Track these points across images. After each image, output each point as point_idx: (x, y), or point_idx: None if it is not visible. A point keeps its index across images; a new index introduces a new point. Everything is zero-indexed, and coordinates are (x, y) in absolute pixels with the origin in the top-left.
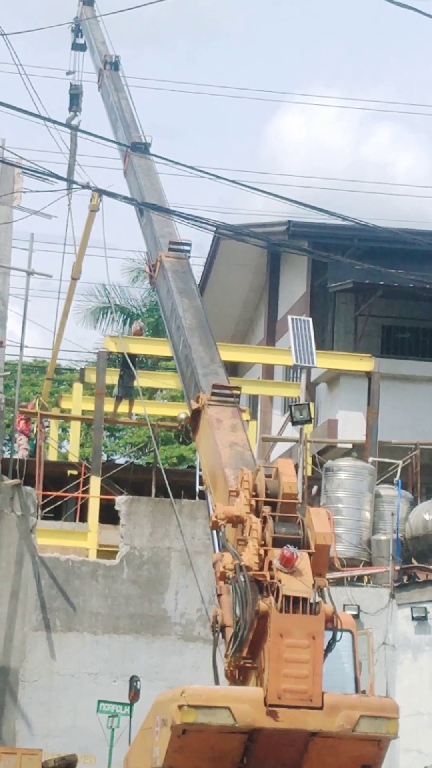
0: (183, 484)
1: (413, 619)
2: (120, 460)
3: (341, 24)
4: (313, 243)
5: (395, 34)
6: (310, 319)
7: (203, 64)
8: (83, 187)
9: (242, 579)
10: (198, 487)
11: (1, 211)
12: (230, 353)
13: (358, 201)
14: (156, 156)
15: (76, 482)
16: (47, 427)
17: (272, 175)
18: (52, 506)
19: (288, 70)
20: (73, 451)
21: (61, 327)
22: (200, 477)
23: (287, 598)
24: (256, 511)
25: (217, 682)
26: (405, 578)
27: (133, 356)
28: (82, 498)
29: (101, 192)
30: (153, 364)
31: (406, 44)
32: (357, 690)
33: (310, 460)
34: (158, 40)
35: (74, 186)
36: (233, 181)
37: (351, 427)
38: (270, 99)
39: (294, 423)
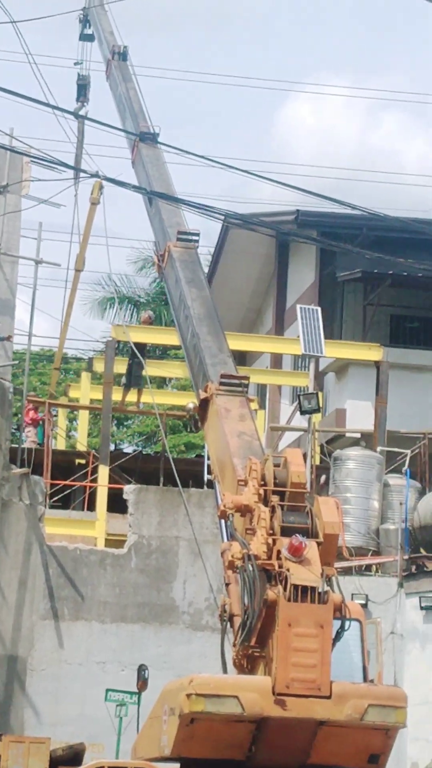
0: (191, 473)
1: (422, 608)
2: (128, 449)
3: (350, 12)
4: (322, 232)
5: (404, 22)
6: (319, 309)
7: (211, 52)
8: (92, 176)
9: (251, 568)
10: (206, 477)
11: (9, 199)
12: (238, 343)
13: (367, 190)
14: (164, 145)
15: (84, 471)
16: (55, 416)
17: (281, 164)
18: (61, 495)
19: (297, 58)
20: (81, 440)
21: (67, 317)
22: (208, 466)
23: (295, 587)
24: (265, 501)
25: (225, 671)
26: (413, 568)
27: (141, 345)
28: (91, 487)
29: (110, 181)
30: (162, 353)
31: (416, 32)
32: (365, 679)
33: (318, 449)
34: (166, 28)
35: (82, 175)
36: (242, 170)
37: (359, 417)
38: (278, 88)
39: (302, 412)
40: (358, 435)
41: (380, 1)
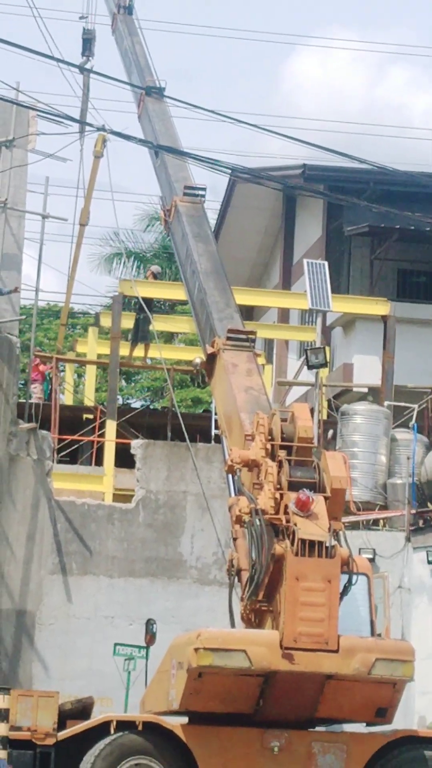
0: (199, 428)
1: (429, 562)
2: (136, 404)
3: None
4: (329, 186)
5: None
6: (326, 263)
7: (217, 4)
8: (98, 129)
9: (258, 523)
10: (214, 431)
11: (15, 154)
12: (245, 297)
13: (374, 144)
14: (170, 99)
15: (91, 426)
16: (63, 371)
17: (288, 118)
18: (68, 450)
19: (304, 11)
20: (88, 395)
21: (73, 272)
22: (216, 421)
23: (303, 541)
24: (272, 455)
25: (233, 625)
26: (421, 522)
27: (148, 300)
28: (98, 442)
29: (116, 134)
30: (169, 308)
31: None
32: (372, 633)
33: (325, 404)
34: None
35: (88, 129)
36: (249, 124)
37: (366, 371)
38: (285, 42)
39: (309, 367)
40: (365, 390)
41: None
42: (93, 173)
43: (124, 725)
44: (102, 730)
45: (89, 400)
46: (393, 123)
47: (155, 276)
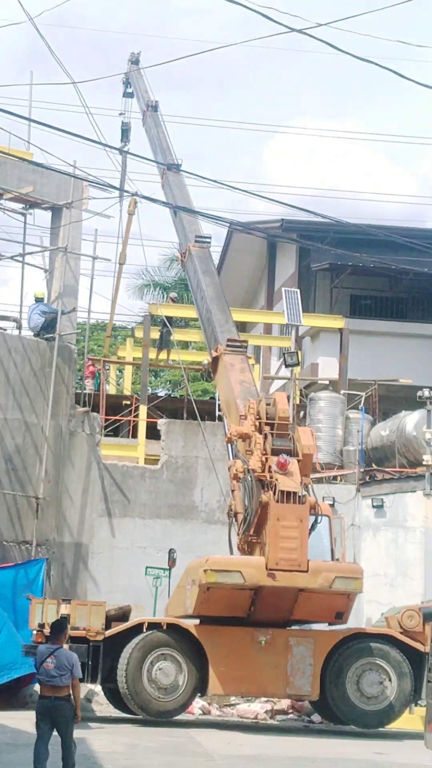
0: (207, 411)
1: (373, 507)
2: (161, 393)
3: (324, 69)
4: (300, 235)
5: (360, 76)
6: (298, 291)
7: (219, 100)
8: (132, 195)
9: (249, 479)
10: (217, 413)
11: (73, 213)
12: (239, 315)
13: (334, 203)
14: (185, 171)
15: (128, 409)
16: (108, 370)
17: (270, 185)
18: (112, 427)
19: (284, 103)
20: (126, 387)
21: (115, 298)
22: (219, 406)
23: (282, 492)
24: (259, 430)
25: (231, 553)
26: (367, 477)
27: (169, 318)
28: (133, 421)
29: (145, 198)
30: (184, 323)
31: (371, 88)
32: (333, 558)
33: (298, 392)
34: (183, 86)
35: (125, 194)
36: (241, 190)
37: (328, 369)
38: (268, 130)
39: (287, 366)
40: (327, 382)
41: (344, 63)
42: (128, 225)
43: (153, 626)
44: (137, 629)
45: (127, 391)
46: (348, 188)
47: (173, 300)
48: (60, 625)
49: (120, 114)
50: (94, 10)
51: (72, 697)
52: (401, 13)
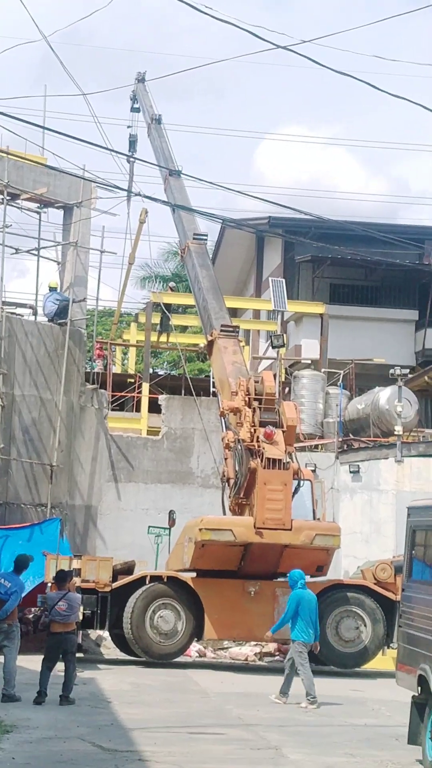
0: (202, 388)
1: (350, 472)
2: (161, 372)
3: (307, 82)
4: (286, 230)
5: (340, 88)
6: (284, 280)
7: (217, 111)
8: (137, 194)
9: (240, 448)
10: (212, 390)
11: (83, 212)
12: (231, 302)
13: (316, 201)
14: (185, 175)
15: (133, 387)
16: (114, 351)
17: (259, 186)
18: (118, 402)
19: (272, 111)
20: (131, 366)
21: (123, 289)
22: (213, 383)
23: (269, 459)
24: (249, 405)
25: (224, 513)
26: (345, 446)
27: (168, 305)
28: (137, 397)
29: (149, 198)
30: (183, 310)
31: (350, 98)
32: (314, 518)
33: (283, 371)
34: (183, 96)
35: (131, 194)
36: (233, 190)
37: (310, 350)
38: (256, 137)
39: (273, 347)
40: (309, 362)
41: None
42: (138, 234)
43: (155, 579)
44: (140, 582)
45: (131, 370)
46: (328, 188)
47: (172, 289)
48: (63, 573)
49: (128, 127)
50: (102, 28)
51: (76, 630)
52: (378, 31)
